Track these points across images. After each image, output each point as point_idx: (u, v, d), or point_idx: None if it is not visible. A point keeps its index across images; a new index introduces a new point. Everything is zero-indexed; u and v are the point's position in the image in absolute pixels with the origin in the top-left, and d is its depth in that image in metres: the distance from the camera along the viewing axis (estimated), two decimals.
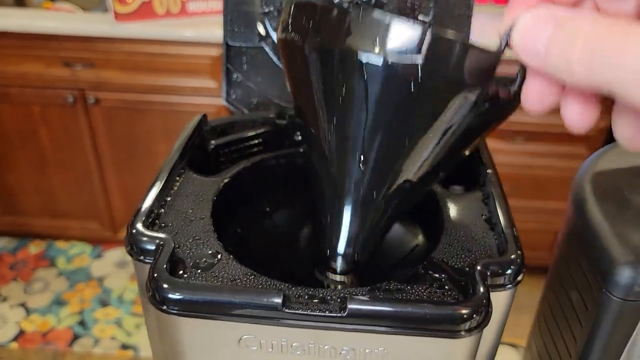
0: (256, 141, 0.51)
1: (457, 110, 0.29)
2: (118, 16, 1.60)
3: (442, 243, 0.39)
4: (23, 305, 1.89)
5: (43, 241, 2.15)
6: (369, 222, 0.35)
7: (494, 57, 0.28)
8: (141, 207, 0.39)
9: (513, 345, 0.66)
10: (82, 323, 1.84)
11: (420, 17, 0.52)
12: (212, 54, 1.58)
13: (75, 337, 1.79)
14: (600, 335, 0.39)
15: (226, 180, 0.44)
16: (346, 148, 0.32)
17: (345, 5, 0.29)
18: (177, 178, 0.44)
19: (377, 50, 0.28)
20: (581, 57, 0.21)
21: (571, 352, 0.43)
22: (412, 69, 0.28)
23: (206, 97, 1.67)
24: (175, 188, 0.43)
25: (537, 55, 0.23)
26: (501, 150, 1.81)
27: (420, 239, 0.45)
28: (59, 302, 1.91)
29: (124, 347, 1.76)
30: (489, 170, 0.45)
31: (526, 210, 1.85)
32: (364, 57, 0.28)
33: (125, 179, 1.91)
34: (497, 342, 0.40)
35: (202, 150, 0.49)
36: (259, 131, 0.51)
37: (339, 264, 0.38)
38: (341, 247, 0.37)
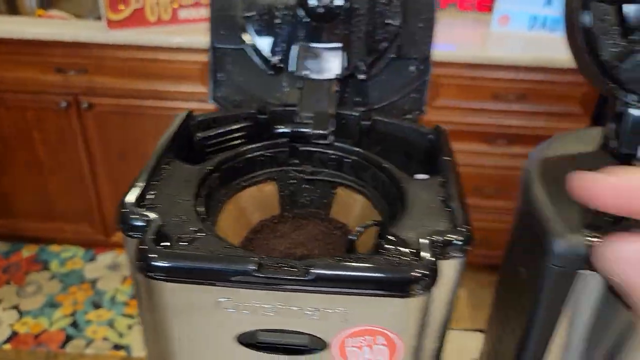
0: (239, 134, 0.56)
1: None
2: (110, 23, 1.64)
3: (402, 221, 0.44)
4: (16, 307, 1.92)
5: (36, 245, 2.17)
6: None
7: None
8: (131, 189, 0.43)
9: (482, 332, 0.70)
10: (74, 325, 1.87)
11: (388, 21, 0.57)
12: (202, 60, 1.63)
13: (68, 339, 1.82)
14: (543, 305, 0.44)
15: (209, 168, 0.49)
16: None
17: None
18: (166, 166, 0.48)
19: None
20: None
21: (521, 324, 0.48)
22: None
23: (197, 102, 1.72)
24: (164, 175, 0.47)
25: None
26: (484, 153, 1.87)
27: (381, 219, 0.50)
28: (52, 305, 1.94)
29: (117, 347, 1.79)
30: (446, 158, 0.50)
31: (511, 212, 1.91)
32: None
33: (117, 183, 1.95)
34: (450, 309, 0.44)
35: (189, 143, 0.54)
36: (241, 125, 0.56)
37: None
38: None
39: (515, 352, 0.48)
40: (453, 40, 1.82)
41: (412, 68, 0.59)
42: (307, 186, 0.55)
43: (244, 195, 0.52)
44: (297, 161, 0.55)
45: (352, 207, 0.53)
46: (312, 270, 0.37)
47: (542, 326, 0.45)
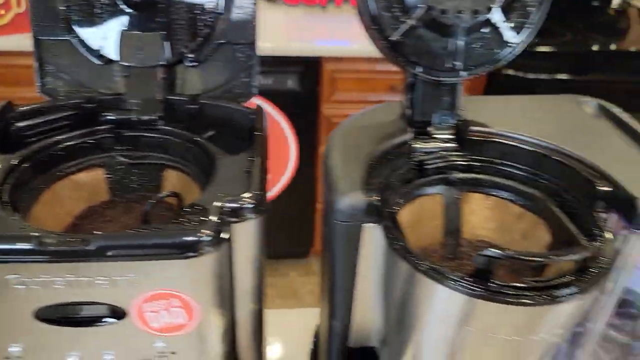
0: (64, 123, 0.56)
1: None
2: None
3: (206, 191, 0.46)
4: None
5: None
6: None
7: None
8: None
9: None
10: None
11: (208, 7, 0.59)
12: None
13: None
14: (338, 260, 0.48)
15: (18, 157, 0.49)
16: None
17: None
18: None
19: None
20: None
21: (329, 285, 0.52)
22: None
23: None
24: None
25: None
26: None
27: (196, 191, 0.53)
28: None
29: None
30: (256, 133, 0.53)
31: None
32: None
33: None
34: (258, 271, 0.47)
35: (6, 133, 0.54)
36: (65, 114, 0.56)
37: None
38: None
39: (329, 313, 0.52)
40: (348, 35, 1.88)
41: (239, 54, 0.62)
42: (135, 170, 0.57)
43: (65, 183, 0.53)
44: (123, 147, 0.56)
45: (179, 186, 0.55)
46: (94, 241, 0.38)
47: (343, 281, 0.49)
